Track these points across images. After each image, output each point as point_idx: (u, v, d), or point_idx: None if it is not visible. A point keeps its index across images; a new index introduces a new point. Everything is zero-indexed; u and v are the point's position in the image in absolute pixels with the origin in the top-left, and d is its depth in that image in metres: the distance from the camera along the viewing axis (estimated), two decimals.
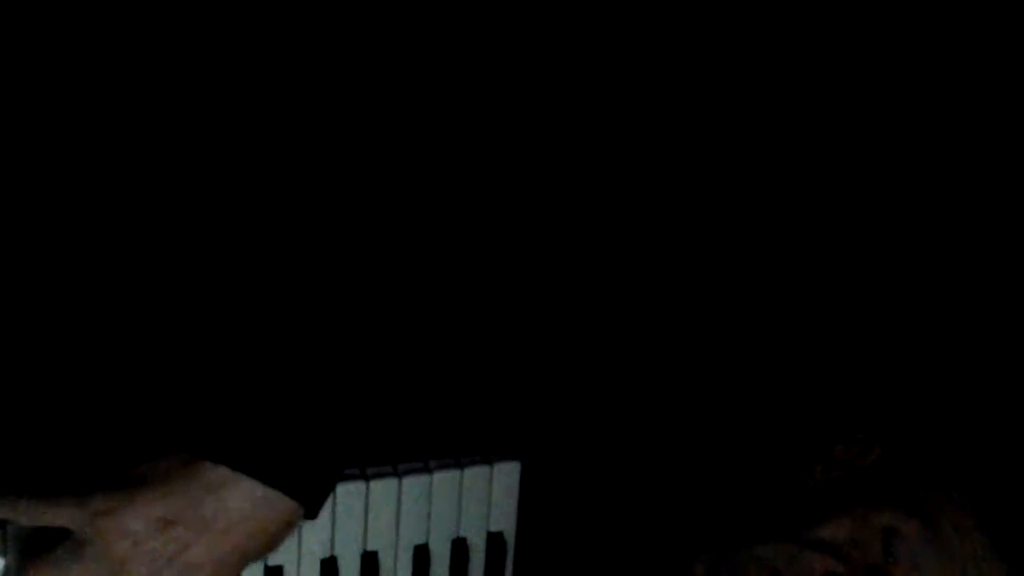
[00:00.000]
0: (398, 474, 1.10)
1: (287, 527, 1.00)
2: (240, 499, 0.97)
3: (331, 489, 1.02)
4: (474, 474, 1.12)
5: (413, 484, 1.10)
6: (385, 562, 1.11)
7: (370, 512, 1.10)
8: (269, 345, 1.00)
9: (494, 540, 1.13)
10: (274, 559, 1.07)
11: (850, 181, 1.30)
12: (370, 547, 1.10)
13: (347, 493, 1.08)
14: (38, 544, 0.98)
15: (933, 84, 1.28)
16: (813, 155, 1.28)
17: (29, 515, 0.96)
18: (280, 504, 0.98)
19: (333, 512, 1.08)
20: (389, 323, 1.03)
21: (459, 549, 1.13)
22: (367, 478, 1.09)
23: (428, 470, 1.11)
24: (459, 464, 1.12)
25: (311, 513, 1.01)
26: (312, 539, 1.08)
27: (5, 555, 1.00)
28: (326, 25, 1.13)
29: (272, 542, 1.00)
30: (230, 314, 1.12)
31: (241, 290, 1.12)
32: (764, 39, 1.23)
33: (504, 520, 1.14)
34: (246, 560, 0.99)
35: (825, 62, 1.25)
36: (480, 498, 1.13)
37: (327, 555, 1.09)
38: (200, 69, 1.13)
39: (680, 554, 1.19)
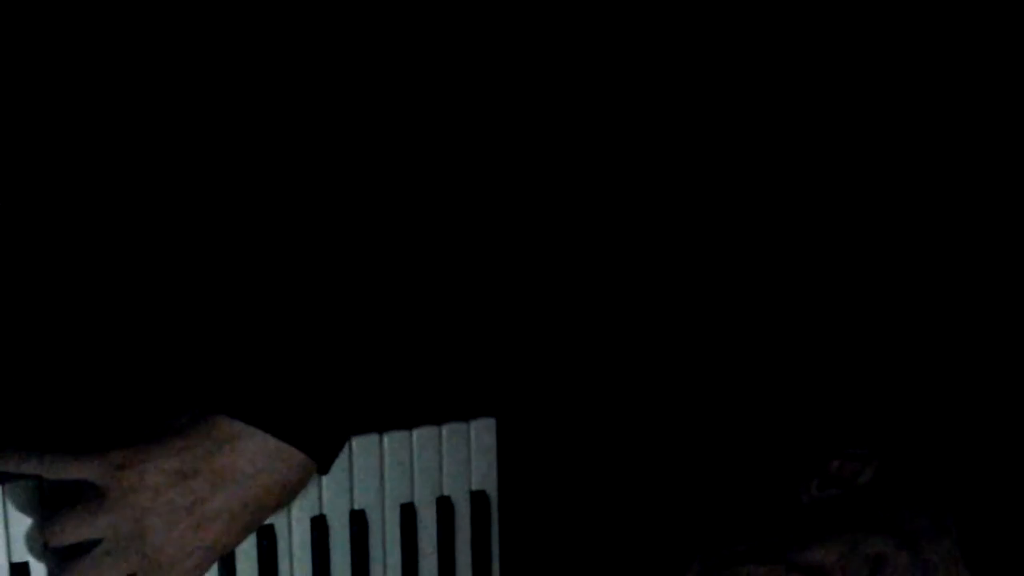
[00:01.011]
0: (379, 431, 1.12)
1: (300, 481, 1.02)
2: (254, 452, 0.99)
3: (343, 444, 1.04)
4: (452, 431, 1.14)
5: (394, 441, 1.12)
6: (373, 521, 1.13)
7: (355, 470, 1.11)
8: (281, 307, 1.02)
9: (478, 498, 1.16)
10: None
11: (850, 190, 1.33)
12: (357, 505, 1.12)
13: None
14: (60, 498, 0.99)
15: (933, 84, 1.31)
16: (813, 163, 1.31)
17: (53, 469, 0.97)
18: (292, 458, 1.00)
19: None
20: (369, 284, 1.05)
21: (444, 507, 1.15)
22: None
23: (408, 427, 1.13)
24: (437, 421, 1.14)
25: (323, 468, 1.03)
26: (301, 498, 1.09)
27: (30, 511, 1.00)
28: (326, 25, 1.14)
29: (287, 496, 1.02)
30: (246, 278, 1.13)
31: (255, 258, 1.13)
32: (764, 39, 1.27)
33: (486, 478, 1.16)
34: (262, 513, 1.01)
35: (825, 62, 1.29)
36: (460, 456, 1.15)
37: (316, 513, 1.11)
38: (200, 69, 1.14)
39: (664, 528, 1.22)
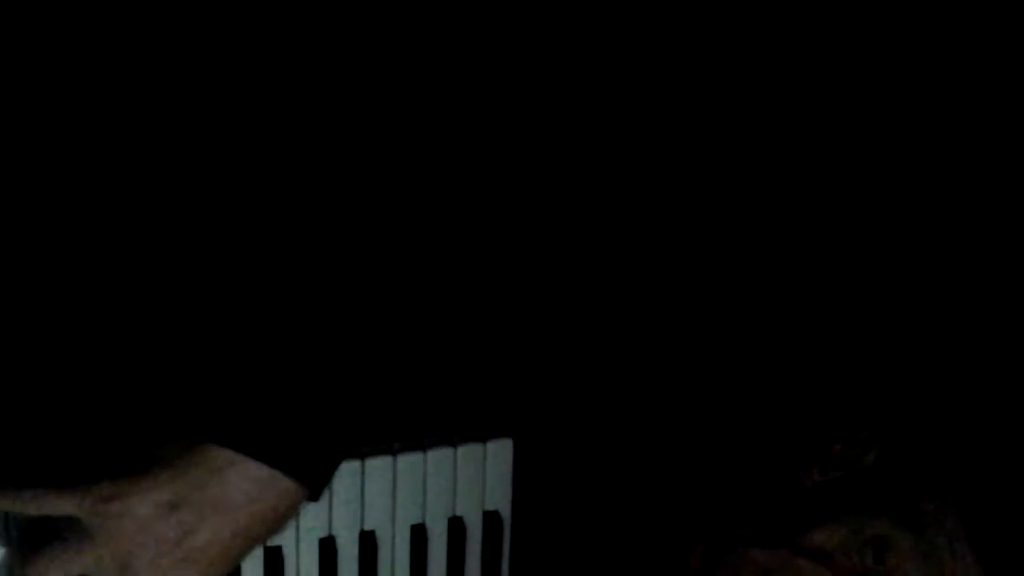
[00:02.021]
0: (393, 452, 1.11)
1: (291, 508, 1.00)
2: (244, 481, 0.97)
3: (333, 470, 1.03)
4: (467, 452, 1.13)
5: (407, 462, 1.11)
6: (383, 541, 1.12)
7: (366, 491, 1.10)
8: (270, 330, 1.00)
9: (490, 519, 1.14)
10: (273, 540, 1.07)
11: (849, 180, 1.30)
12: (367, 526, 1.11)
13: (343, 472, 1.08)
14: (40, 535, 0.97)
15: (933, 84, 1.29)
16: (813, 154, 1.28)
17: (33, 504, 0.96)
18: (283, 485, 0.99)
19: (330, 491, 1.09)
20: (382, 305, 1.03)
21: (456, 528, 1.14)
22: (362, 456, 1.10)
23: (422, 448, 1.12)
24: (452, 442, 1.13)
25: (314, 495, 1.01)
26: (310, 519, 1.09)
27: (6, 545, 1.00)
28: (326, 25, 1.13)
29: (277, 524, 1.00)
30: (231, 299, 1.12)
31: (241, 276, 1.12)
32: (764, 39, 1.24)
33: (500, 498, 1.14)
34: (252, 542, 1.00)
35: (825, 62, 1.26)
36: (475, 476, 1.13)
37: (325, 535, 1.10)
38: (200, 69, 1.13)
39: (675, 534, 1.20)
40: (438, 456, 1.12)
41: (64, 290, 1.12)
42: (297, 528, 1.09)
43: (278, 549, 1.09)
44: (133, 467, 0.96)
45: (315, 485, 1.01)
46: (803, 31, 1.25)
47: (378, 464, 1.10)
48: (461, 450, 1.13)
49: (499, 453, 1.14)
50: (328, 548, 1.10)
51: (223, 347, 1.10)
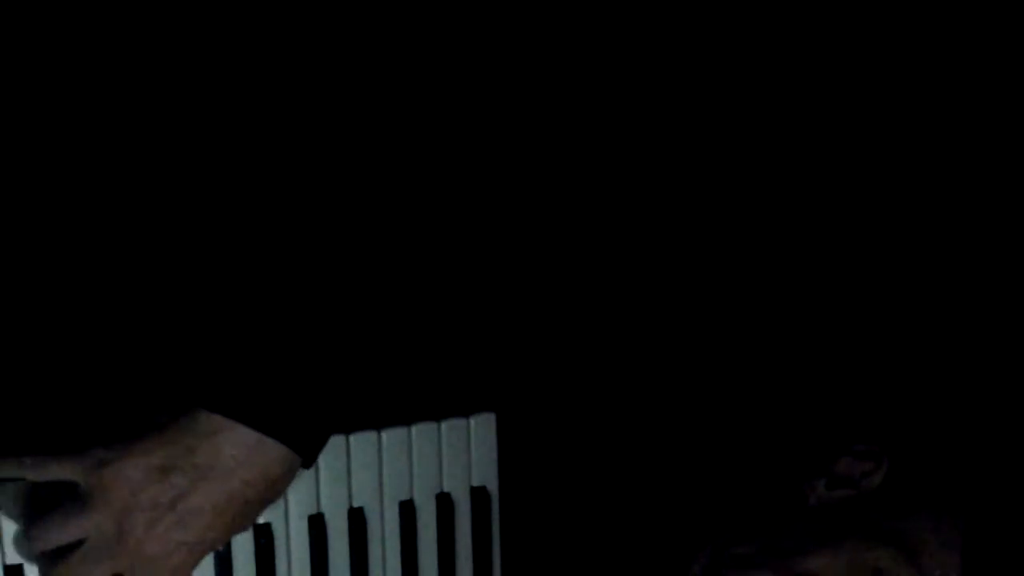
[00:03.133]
0: (377, 427, 1.12)
1: (283, 475, 1.01)
2: (235, 446, 0.98)
3: (326, 438, 1.04)
4: (452, 426, 1.13)
5: (393, 437, 1.12)
6: (372, 518, 1.12)
7: (353, 467, 1.11)
8: (261, 299, 1.01)
9: (478, 494, 1.15)
10: (262, 517, 1.07)
11: (851, 188, 1.32)
12: (356, 503, 1.11)
13: (329, 448, 1.08)
14: (42, 501, 0.99)
15: (933, 84, 1.30)
16: (815, 159, 1.30)
17: (33, 470, 0.97)
18: (274, 451, 0.99)
19: (317, 468, 1.09)
20: (369, 280, 1.05)
21: (444, 504, 1.14)
22: (347, 432, 1.10)
23: (407, 423, 1.12)
24: (436, 417, 1.14)
25: (307, 462, 1.02)
26: (298, 496, 1.09)
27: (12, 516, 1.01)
28: (326, 24, 1.15)
29: (271, 490, 1.01)
30: (224, 271, 1.13)
31: (233, 250, 1.13)
32: (764, 39, 1.26)
33: (486, 474, 1.15)
34: (247, 508, 1.00)
35: (825, 62, 1.28)
36: (460, 452, 1.14)
37: (314, 512, 1.10)
38: (200, 69, 1.14)
39: (675, 534, 1.20)
40: (423, 431, 1.13)
41: (54, 264, 1.13)
42: (286, 506, 1.09)
43: (268, 527, 1.08)
44: (126, 433, 0.97)
45: (306, 451, 1.01)
46: (803, 31, 1.27)
47: (363, 440, 1.11)
48: (445, 425, 1.13)
49: (483, 428, 1.15)
50: (317, 525, 1.10)
51: (215, 316, 1.11)
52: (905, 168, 1.31)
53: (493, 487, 1.15)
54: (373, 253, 1.06)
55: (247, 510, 1.00)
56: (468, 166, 1.16)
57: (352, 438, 1.10)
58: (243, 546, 1.08)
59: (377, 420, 1.12)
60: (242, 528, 1.02)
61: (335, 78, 1.14)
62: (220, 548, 1.04)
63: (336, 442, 1.09)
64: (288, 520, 1.10)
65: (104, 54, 1.13)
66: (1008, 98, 1.30)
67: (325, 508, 1.11)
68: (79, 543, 0.97)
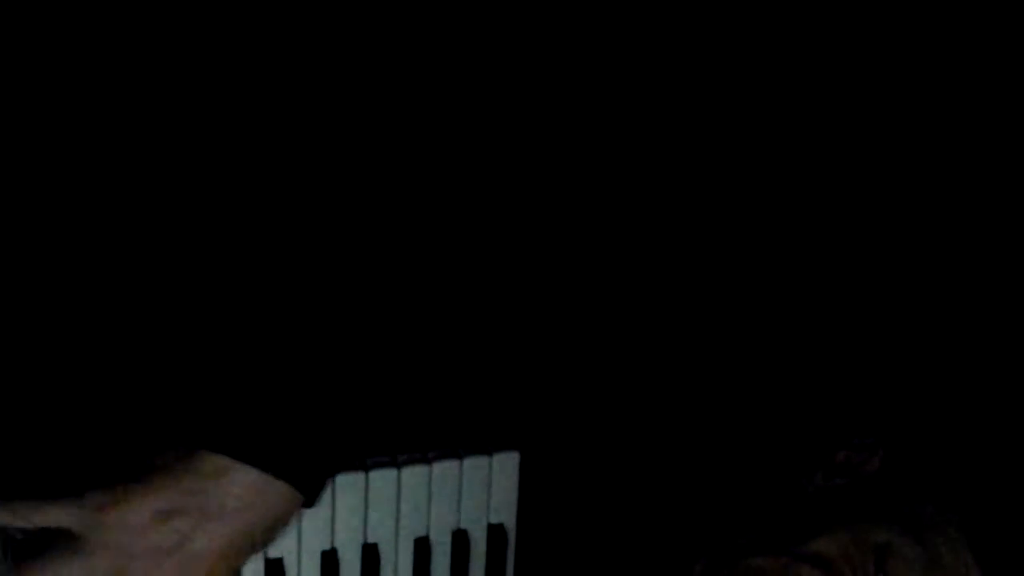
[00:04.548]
0: (397, 465, 1.10)
1: (286, 515, 1.00)
2: (239, 487, 0.97)
3: (330, 478, 1.02)
4: (473, 465, 1.12)
5: (412, 475, 1.10)
6: (386, 554, 1.11)
7: (370, 503, 1.09)
8: (267, 335, 0.99)
9: (495, 532, 1.13)
10: (274, 551, 1.06)
11: (851, 182, 1.30)
12: (370, 539, 1.10)
13: (346, 484, 1.08)
14: (33, 548, 0.96)
15: (933, 84, 1.28)
16: (815, 155, 1.28)
17: (26, 517, 0.95)
18: (278, 492, 0.98)
19: (333, 504, 1.08)
20: (386, 314, 1.03)
21: (460, 541, 1.12)
22: (366, 469, 1.09)
23: (427, 461, 1.11)
24: (458, 455, 1.12)
25: (309, 501, 1.01)
26: (312, 531, 1.08)
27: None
28: (326, 24, 1.13)
29: (274, 530, 1.00)
30: (226, 304, 1.12)
31: (237, 281, 1.12)
32: (764, 39, 1.23)
33: (504, 512, 1.13)
34: (249, 549, 0.99)
35: (825, 62, 1.25)
36: (480, 489, 1.12)
37: (327, 547, 1.09)
38: (200, 69, 1.13)
39: (679, 545, 1.18)
40: (444, 468, 1.11)
41: (55, 296, 1.12)
42: (299, 540, 1.08)
43: (279, 561, 1.07)
44: (126, 475, 0.96)
45: (310, 492, 1.00)
46: (803, 31, 1.24)
47: (382, 476, 1.09)
48: (467, 463, 1.12)
49: (505, 466, 1.13)
50: (330, 561, 1.09)
51: (218, 353, 1.09)
52: (905, 168, 1.28)
53: (510, 525, 1.14)
54: (392, 287, 1.04)
55: (248, 552, 0.99)
56: (491, 199, 1.14)
57: (371, 475, 1.09)
58: None
59: (397, 456, 1.10)
60: (239, 567, 1.00)
61: (335, 86, 1.12)
62: None
63: (355, 478, 1.08)
64: (300, 555, 1.08)
65: (104, 54, 1.11)
66: (1008, 98, 1.27)
67: (339, 543, 1.09)
68: None
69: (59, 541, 0.95)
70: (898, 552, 1.11)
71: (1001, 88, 1.28)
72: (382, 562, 1.10)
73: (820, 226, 1.29)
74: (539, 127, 1.16)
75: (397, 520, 1.11)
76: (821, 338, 1.30)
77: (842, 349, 1.30)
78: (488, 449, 1.13)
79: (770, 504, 1.19)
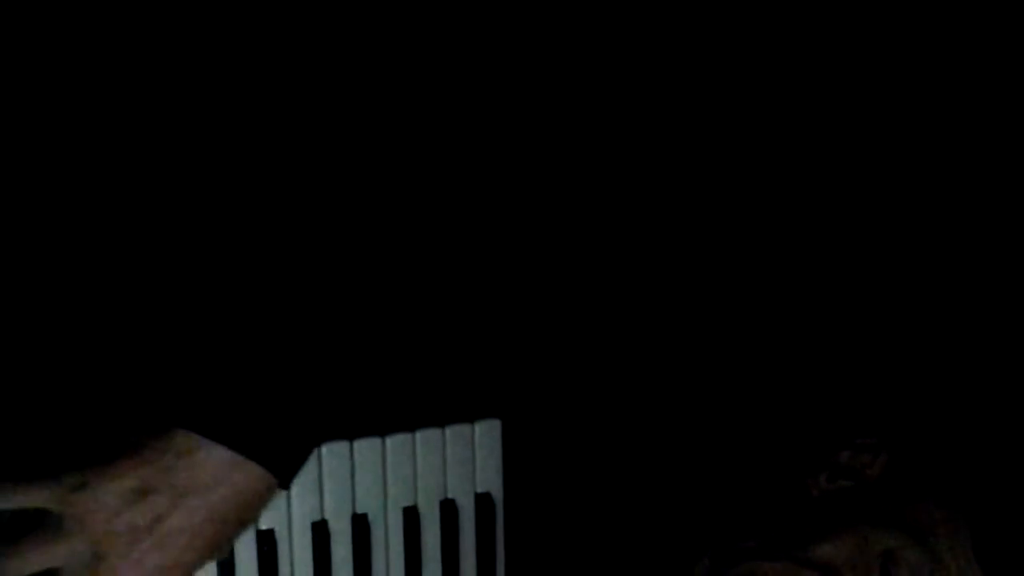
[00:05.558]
0: (381, 433, 1.12)
1: (261, 495, 1.02)
2: (212, 465, 0.99)
3: (304, 459, 1.04)
4: (456, 432, 1.13)
5: (397, 443, 1.12)
6: (375, 524, 1.13)
7: (356, 474, 1.11)
8: (243, 314, 1.01)
9: (482, 501, 1.15)
10: (264, 523, 1.09)
11: (853, 182, 1.29)
12: (359, 509, 1.12)
13: (332, 454, 1.10)
14: (11, 530, 0.98)
15: (933, 84, 1.26)
16: (815, 156, 1.27)
17: (2, 498, 0.97)
18: (251, 471, 1.00)
19: (320, 475, 1.10)
20: (364, 286, 1.04)
21: (448, 510, 1.14)
22: (351, 438, 1.10)
23: (411, 429, 1.12)
24: (441, 423, 1.13)
25: (283, 482, 1.02)
26: (301, 503, 1.10)
27: None
28: (326, 24, 1.14)
29: (249, 509, 1.02)
30: (201, 285, 1.14)
31: (213, 262, 1.14)
32: (764, 39, 1.22)
33: (491, 480, 1.15)
34: (226, 528, 1.01)
35: (825, 62, 1.24)
36: (464, 458, 1.14)
37: (317, 518, 1.11)
38: (200, 69, 1.15)
39: (677, 539, 1.19)
40: (427, 437, 1.13)
41: (26, 279, 1.14)
42: (289, 512, 1.10)
43: (271, 533, 1.10)
44: (101, 455, 0.98)
45: (283, 472, 1.02)
46: (803, 31, 1.23)
47: (367, 446, 1.11)
48: (449, 431, 1.13)
49: (488, 434, 1.14)
50: (321, 532, 1.11)
51: (192, 333, 1.11)
52: (905, 168, 1.27)
53: (498, 494, 1.15)
54: (374, 259, 1.06)
55: (224, 532, 1.01)
56: (471, 170, 1.15)
57: (356, 444, 1.11)
58: (246, 553, 1.09)
59: (381, 426, 1.12)
60: (218, 552, 1.02)
61: (334, 88, 1.13)
62: (194, 574, 1.03)
63: (340, 448, 1.10)
64: (291, 526, 1.11)
65: (104, 54, 1.13)
66: (1008, 98, 1.25)
67: (328, 514, 1.11)
68: (54, 572, 0.97)
69: (37, 522, 0.98)
70: (902, 558, 1.11)
71: (1001, 88, 1.26)
72: (372, 532, 1.12)
73: (826, 227, 1.29)
74: (538, 126, 1.17)
75: (385, 490, 1.12)
76: (824, 339, 1.29)
77: (845, 350, 1.30)
78: (470, 417, 1.14)
79: (774, 505, 1.18)
